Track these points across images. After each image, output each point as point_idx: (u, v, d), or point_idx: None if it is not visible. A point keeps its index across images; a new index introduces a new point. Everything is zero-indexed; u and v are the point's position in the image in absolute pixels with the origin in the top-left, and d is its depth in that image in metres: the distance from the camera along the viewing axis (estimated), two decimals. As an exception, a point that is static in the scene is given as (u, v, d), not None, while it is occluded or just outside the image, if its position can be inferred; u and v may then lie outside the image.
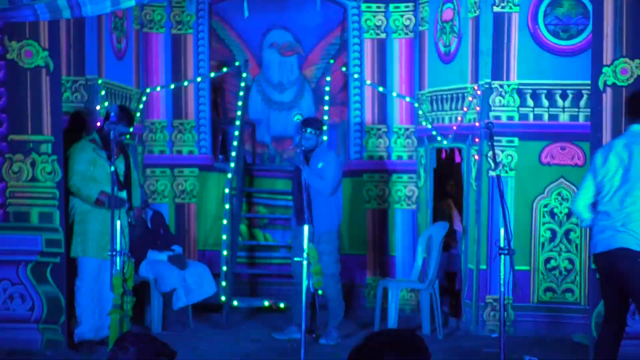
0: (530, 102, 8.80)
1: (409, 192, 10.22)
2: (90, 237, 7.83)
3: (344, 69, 10.38)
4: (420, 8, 10.01)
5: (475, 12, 8.97)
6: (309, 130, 8.47)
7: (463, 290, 9.17)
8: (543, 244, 8.78)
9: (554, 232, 8.76)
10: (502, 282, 6.78)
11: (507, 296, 8.01)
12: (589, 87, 7.90)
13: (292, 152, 10.22)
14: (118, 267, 6.67)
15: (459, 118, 9.16)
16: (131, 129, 8.13)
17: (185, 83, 10.33)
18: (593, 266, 7.62)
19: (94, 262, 7.82)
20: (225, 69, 10.39)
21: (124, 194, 7.95)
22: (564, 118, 8.79)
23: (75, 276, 7.89)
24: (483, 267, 8.83)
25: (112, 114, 7.23)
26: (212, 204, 10.38)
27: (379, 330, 3.26)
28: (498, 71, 8.80)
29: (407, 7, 10.19)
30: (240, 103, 10.10)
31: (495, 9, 8.76)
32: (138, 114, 9.87)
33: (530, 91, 8.79)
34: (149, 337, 3.41)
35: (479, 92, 8.82)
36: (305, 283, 6.88)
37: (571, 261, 8.77)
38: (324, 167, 8.44)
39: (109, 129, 7.17)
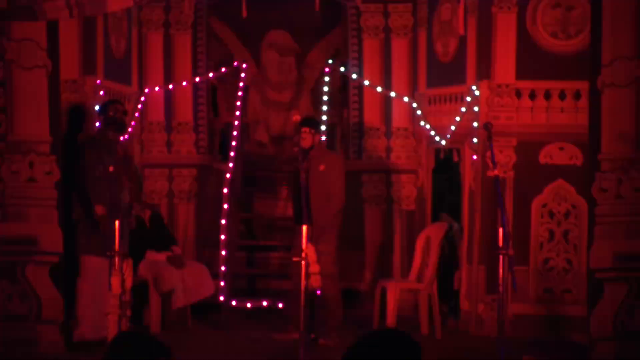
0: (528, 102, 8.80)
1: (408, 192, 10.20)
2: (96, 236, 7.82)
3: (342, 69, 10.37)
4: (419, 8, 10.00)
5: (474, 12, 8.96)
6: (304, 130, 8.47)
7: (462, 290, 9.17)
8: (541, 244, 8.78)
9: (552, 232, 8.76)
10: (500, 282, 6.79)
11: (506, 296, 8.00)
12: (588, 87, 7.90)
13: (291, 153, 10.22)
14: (117, 268, 6.67)
15: (458, 118, 9.15)
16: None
17: (184, 83, 10.32)
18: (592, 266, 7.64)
19: (97, 261, 7.81)
20: (223, 69, 10.39)
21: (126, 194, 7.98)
22: (562, 118, 8.79)
23: (76, 276, 7.88)
24: (482, 267, 8.82)
25: (112, 113, 7.25)
26: (210, 204, 10.37)
27: (372, 330, 3.28)
28: (497, 71, 8.80)
29: (405, 7, 10.18)
30: (238, 103, 10.09)
31: (494, 9, 8.76)
32: (137, 114, 9.86)
33: (528, 91, 8.79)
34: (145, 337, 3.39)
35: (477, 92, 8.82)
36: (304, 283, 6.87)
37: (569, 261, 8.77)
38: (327, 172, 8.40)
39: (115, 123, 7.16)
